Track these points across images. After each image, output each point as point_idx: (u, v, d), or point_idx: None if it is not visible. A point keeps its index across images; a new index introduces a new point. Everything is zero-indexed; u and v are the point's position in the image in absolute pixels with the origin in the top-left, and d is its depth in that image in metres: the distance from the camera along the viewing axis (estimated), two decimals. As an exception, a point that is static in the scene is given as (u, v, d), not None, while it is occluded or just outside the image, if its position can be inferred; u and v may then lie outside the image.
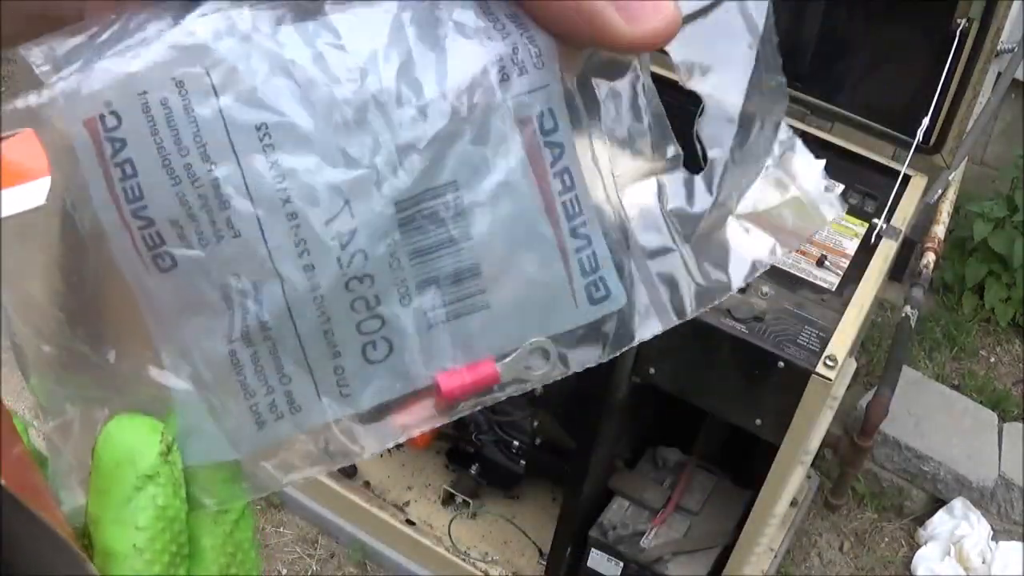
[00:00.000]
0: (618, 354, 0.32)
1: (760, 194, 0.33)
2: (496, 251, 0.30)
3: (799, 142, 0.33)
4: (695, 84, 0.31)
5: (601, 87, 0.31)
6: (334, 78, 0.27)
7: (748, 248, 0.33)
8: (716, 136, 0.32)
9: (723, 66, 0.31)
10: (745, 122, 0.32)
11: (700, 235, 0.32)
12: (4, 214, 0.26)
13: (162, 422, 0.29)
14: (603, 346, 0.32)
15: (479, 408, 0.32)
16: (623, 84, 0.31)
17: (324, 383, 0.30)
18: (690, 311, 0.32)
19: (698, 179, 0.33)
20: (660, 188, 0.32)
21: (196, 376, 0.29)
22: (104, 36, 0.26)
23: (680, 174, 0.33)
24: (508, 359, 0.31)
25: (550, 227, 0.30)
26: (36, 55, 0.26)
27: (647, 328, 0.32)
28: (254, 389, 0.29)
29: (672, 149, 0.32)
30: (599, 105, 0.31)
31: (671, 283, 0.32)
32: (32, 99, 0.25)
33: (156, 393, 0.29)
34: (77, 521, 0.29)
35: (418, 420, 0.31)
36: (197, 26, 0.26)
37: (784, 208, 0.33)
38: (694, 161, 0.33)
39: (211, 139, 0.26)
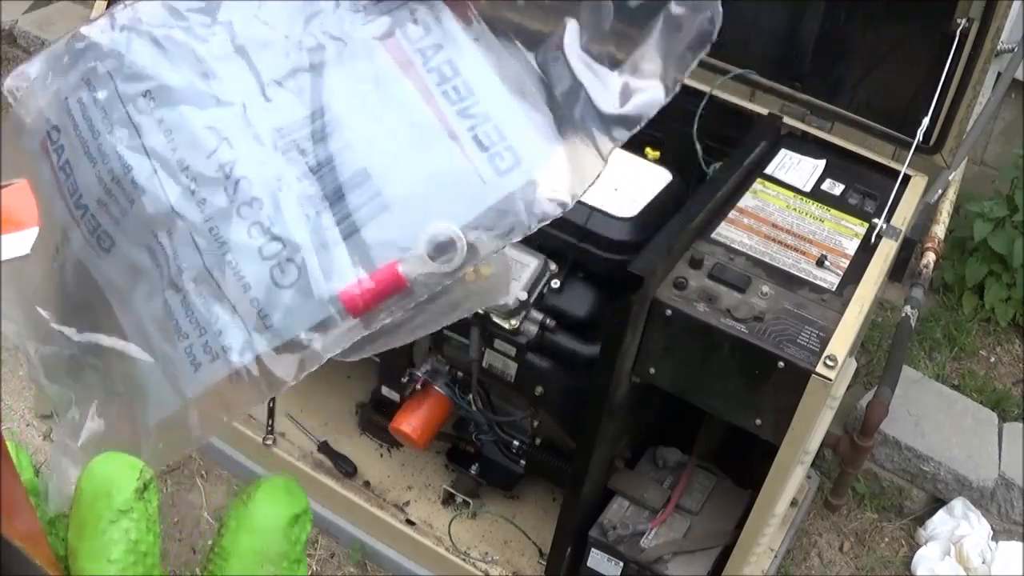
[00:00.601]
0: (544, 225, 0.32)
1: None
2: (382, 153, 0.31)
3: None
4: None
5: None
6: (199, 38, 0.30)
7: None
8: None
9: None
10: None
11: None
12: (4, 258, 0.30)
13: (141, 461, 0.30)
14: (525, 212, 0.33)
15: (401, 312, 0.32)
16: None
17: (248, 318, 0.32)
18: (619, 138, 0.35)
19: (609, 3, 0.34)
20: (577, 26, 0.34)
21: (147, 339, 0.32)
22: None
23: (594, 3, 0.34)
24: (407, 255, 0.32)
25: (432, 115, 0.32)
26: (9, 83, 0.31)
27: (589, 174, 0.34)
28: (187, 332, 0.31)
29: None
30: None
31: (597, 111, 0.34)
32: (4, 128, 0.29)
33: (127, 369, 0.32)
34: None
35: (336, 338, 0.32)
36: (86, 31, 0.30)
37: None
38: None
39: (114, 116, 0.30)
